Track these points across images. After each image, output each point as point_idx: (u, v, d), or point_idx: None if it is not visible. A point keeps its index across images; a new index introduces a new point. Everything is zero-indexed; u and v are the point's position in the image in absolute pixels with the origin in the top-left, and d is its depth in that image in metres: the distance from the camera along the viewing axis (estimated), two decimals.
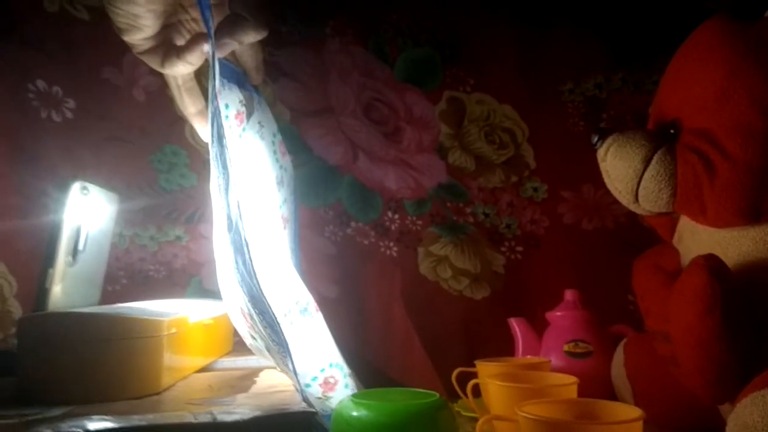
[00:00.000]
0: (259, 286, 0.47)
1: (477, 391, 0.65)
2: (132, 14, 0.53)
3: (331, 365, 0.61)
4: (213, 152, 0.50)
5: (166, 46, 0.58)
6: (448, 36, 0.91)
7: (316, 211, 0.87)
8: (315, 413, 0.38)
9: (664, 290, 0.62)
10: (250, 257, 0.47)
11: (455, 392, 0.70)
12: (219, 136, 0.49)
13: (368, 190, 0.89)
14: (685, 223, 0.66)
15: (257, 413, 0.37)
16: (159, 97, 0.82)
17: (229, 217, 0.49)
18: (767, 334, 0.54)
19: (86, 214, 0.60)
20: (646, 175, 0.61)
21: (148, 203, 0.82)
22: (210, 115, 0.51)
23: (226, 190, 0.49)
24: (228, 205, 0.49)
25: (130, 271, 0.82)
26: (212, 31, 0.50)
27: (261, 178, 0.65)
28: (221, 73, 0.59)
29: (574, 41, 0.91)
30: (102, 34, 0.79)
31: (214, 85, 0.50)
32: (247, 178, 0.62)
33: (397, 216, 0.89)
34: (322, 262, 0.86)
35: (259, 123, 0.65)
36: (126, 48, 0.57)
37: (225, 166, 0.49)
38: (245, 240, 0.47)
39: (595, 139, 0.65)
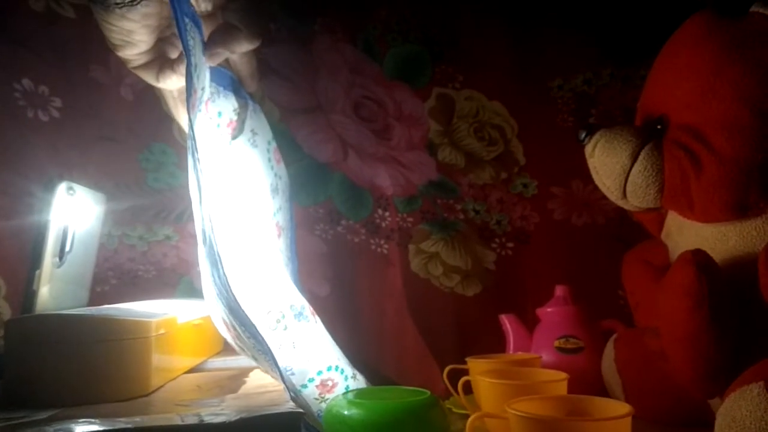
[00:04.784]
0: (235, 299, 0.47)
1: (468, 388, 0.66)
2: (126, 30, 0.53)
3: (329, 368, 0.61)
4: (189, 167, 0.49)
5: (161, 60, 0.57)
6: (437, 33, 0.91)
7: (306, 209, 0.86)
8: (302, 413, 0.38)
9: (654, 285, 0.63)
10: (223, 271, 0.47)
11: (447, 389, 0.70)
12: (192, 150, 0.49)
13: (358, 188, 0.89)
14: (672, 219, 0.67)
15: (243, 414, 0.37)
16: (146, 96, 0.82)
17: (203, 231, 0.49)
18: (755, 328, 0.54)
19: (73, 214, 0.59)
20: (634, 170, 0.61)
21: (137, 202, 0.82)
22: (187, 128, 0.50)
23: (200, 203, 0.48)
24: (202, 219, 0.49)
25: (120, 272, 0.82)
26: (189, 43, 0.49)
27: (253, 186, 0.64)
28: (217, 81, 0.59)
29: (562, 37, 0.91)
30: (89, 33, 0.79)
31: (188, 98, 0.49)
32: (237, 186, 0.61)
33: (387, 213, 0.89)
34: (314, 261, 0.86)
35: (252, 131, 0.65)
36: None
37: (198, 180, 0.48)
38: (218, 254, 0.47)
39: (582, 135, 0.65)
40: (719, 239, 0.59)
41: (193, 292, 0.83)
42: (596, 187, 0.68)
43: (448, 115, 0.91)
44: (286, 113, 0.87)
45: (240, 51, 0.58)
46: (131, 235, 0.82)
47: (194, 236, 0.83)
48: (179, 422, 0.37)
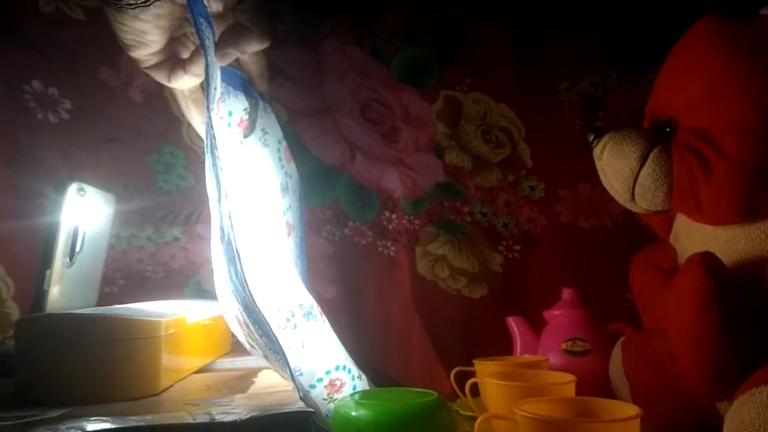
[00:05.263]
0: (251, 296, 0.47)
1: (475, 390, 0.66)
2: (139, 30, 0.53)
3: (337, 368, 0.61)
4: (207, 162, 0.50)
5: (173, 60, 0.58)
6: (445, 35, 0.91)
7: (313, 210, 0.87)
8: (312, 412, 0.38)
9: (662, 288, 0.63)
10: (241, 268, 0.47)
11: (454, 391, 0.70)
12: (212, 148, 0.49)
13: (366, 190, 0.89)
14: (681, 221, 0.67)
15: (255, 413, 0.37)
16: (155, 98, 0.82)
17: (221, 228, 0.49)
18: (764, 330, 0.54)
19: (83, 215, 0.60)
20: (643, 173, 0.61)
21: (146, 204, 0.82)
22: (205, 126, 0.51)
23: (219, 201, 0.49)
24: (221, 216, 0.49)
25: (128, 273, 0.82)
26: (206, 42, 0.50)
27: (264, 185, 0.65)
28: (228, 81, 0.59)
29: (569, 40, 0.91)
30: (98, 35, 0.79)
31: (207, 96, 0.50)
32: (248, 185, 0.62)
33: (394, 215, 0.89)
34: (320, 262, 0.86)
35: (263, 130, 0.65)
36: (122, 48, 0.57)
37: (218, 178, 0.49)
38: (237, 251, 0.48)
39: (591, 137, 0.65)
40: (728, 242, 0.59)
41: (201, 293, 0.83)
42: (603, 190, 0.68)
43: (456, 118, 0.91)
44: (294, 115, 0.87)
45: (250, 51, 0.58)
46: (140, 236, 0.83)
47: (202, 238, 0.84)
48: (191, 421, 0.37)
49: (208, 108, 0.50)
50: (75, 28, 0.81)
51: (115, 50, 0.57)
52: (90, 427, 0.36)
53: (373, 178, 0.89)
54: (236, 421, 0.36)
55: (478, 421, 0.49)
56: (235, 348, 0.73)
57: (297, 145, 0.86)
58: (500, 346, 0.80)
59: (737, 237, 0.59)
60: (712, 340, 0.52)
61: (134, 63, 0.58)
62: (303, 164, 0.85)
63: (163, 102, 0.82)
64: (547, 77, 0.92)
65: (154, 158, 0.83)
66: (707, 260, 0.53)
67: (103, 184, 0.67)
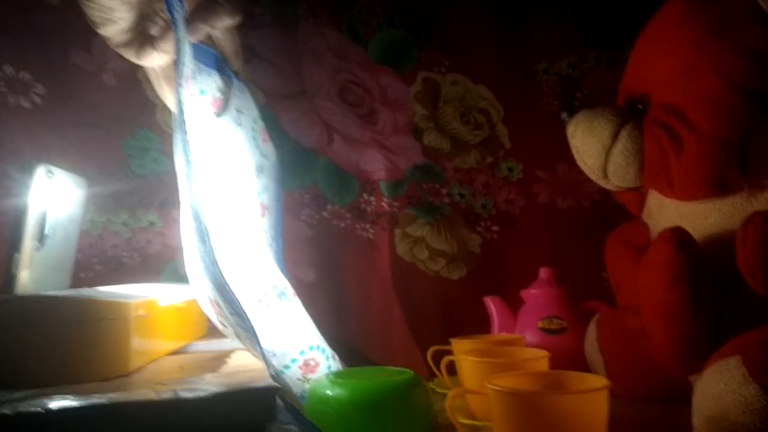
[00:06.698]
0: (221, 273, 0.47)
1: (452, 369, 0.66)
2: (107, 7, 0.53)
3: (311, 348, 0.61)
4: (177, 141, 0.49)
5: (142, 38, 0.57)
6: (423, 17, 0.91)
7: (291, 194, 0.86)
8: (278, 388, 0.38)
9: (634, 264, 0.63)
10: (211, 246, 0.47)
11: (433, 371, 0.70)
12: (181, 123, 0.49)
13: (344, 173, 0.89)
14: (653, 197, 0.67)
15: (219, 389, 0.37)
16: (129, 81, 0.81)
17: (192, 207, 0.49)
18: (734, 303, 0.54)
19: (52, 198, 0.59)
20: (614, 150, 0.61)
21: (120, 188, 0.81)
22: (175, 104, 0.51)
23: (189, 179, 0.48)
24: (190, 193, 0.49)
25: (104, 258, 0.81)
26: (176, 17, 0.49)
27: (237, 165, 0.64)
28: (201, 59, 0.59)
29: (547, 21, 0.91)
30: (70, 19, 0.78)
31: (179, 74, 0.49)
32: (220, 165, 0.61)
33: (373, 198, 0.89)
34: (299, 246, 0.86)
35: (237, 110, 0.65)
36: (95, 32, 0.56)
37: (187, 155, 0.48)
38: (206, 228, 0.47)
39: (564, 115, 0.65)
40: (699, 217, 0.59)
41: (178, 278, 0.83)
42: (581, 171, 0.68)
43: (434, 100, 0.90)
44: (271, 98, 0.86)
45: (221, 26, 0.58)
46: (115, 221, 0.82)
47: (178, 222, 0.82)
48: (154, 398, 0.37)
49: (178, 84, 0.49)
50: (47, 13, 0.80)
51: (87, 34, 0.56)
52: (52, 404, 0.36)
53: (351, 161, 0.89)
54: (199, 397, 0.36)
55: (450, 395, 0.50)
56: (212, 331, 0.73)
57: (275, 128, 0.85)
58: (479, 325, 0.81)
59: (708, 212, 0.59)
60: (683, 315, 0.52)
61: (106, 44, 0.58)
62: (281, 147, 0.84)
63: (136, 85, 0.81)
64: (525, 58, 0.91)
65: (129, 142, 0.82)
66: (677, 235, 0.53)
67: (76, 168, 0.66)
